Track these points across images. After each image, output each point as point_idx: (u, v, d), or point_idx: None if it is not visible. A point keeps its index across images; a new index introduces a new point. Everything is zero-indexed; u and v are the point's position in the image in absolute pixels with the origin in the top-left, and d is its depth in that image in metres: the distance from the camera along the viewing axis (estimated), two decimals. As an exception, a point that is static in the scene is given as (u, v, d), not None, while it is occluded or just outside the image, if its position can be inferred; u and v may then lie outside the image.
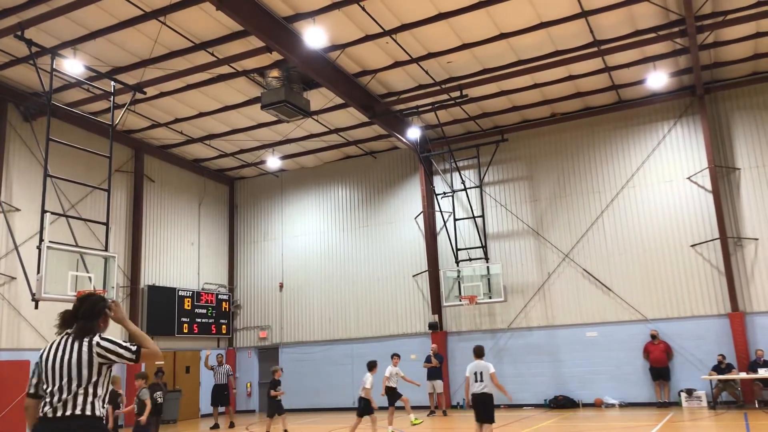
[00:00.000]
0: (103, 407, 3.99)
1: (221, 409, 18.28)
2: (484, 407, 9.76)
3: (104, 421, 3.98)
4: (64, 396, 3.86)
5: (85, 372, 3.93)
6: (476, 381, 9.78)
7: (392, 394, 13.72)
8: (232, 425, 17.22)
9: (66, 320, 4.14)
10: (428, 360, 18.46)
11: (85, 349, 3.97)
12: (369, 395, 12.71)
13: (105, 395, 4.01)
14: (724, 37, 15.78)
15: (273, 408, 14.30)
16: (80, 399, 3.89)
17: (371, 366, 13.14)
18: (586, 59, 15.65)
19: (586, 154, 19.57)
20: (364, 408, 12.72)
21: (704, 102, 18.00)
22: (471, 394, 9.83)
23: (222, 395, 17.73)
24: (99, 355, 3.99)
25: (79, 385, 3.90)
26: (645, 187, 18.66)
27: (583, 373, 18.33)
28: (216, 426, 17.16)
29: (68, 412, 3.84)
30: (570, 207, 19.48)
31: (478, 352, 10.14)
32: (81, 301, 4.19)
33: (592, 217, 19.11)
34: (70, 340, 4.02)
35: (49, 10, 12.72)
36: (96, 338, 4.06)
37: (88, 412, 3.89)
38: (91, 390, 3.93)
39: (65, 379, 3.90)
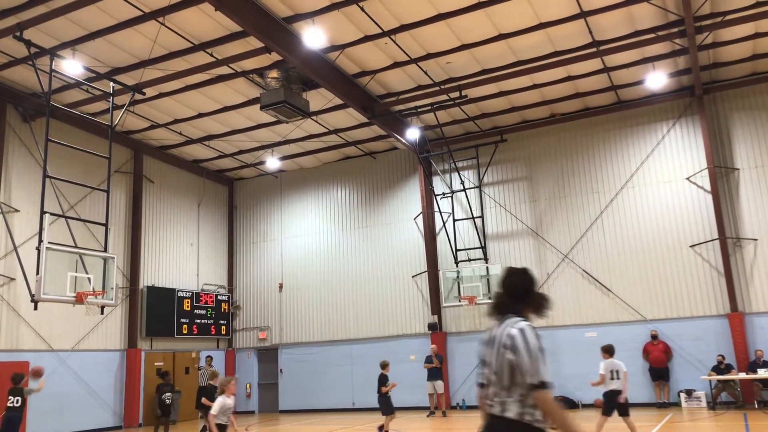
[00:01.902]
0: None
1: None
2: (620, 403, 10.88)
3: None
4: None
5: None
6: (612, 378, 10.87)
7: None
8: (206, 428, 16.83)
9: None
10: (428, 360, 18.44)
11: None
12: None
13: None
14: (723, 38, 15.79)
15: (386, 405, 13.37)
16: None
17: (383, 365, 12.97)
18: (586, 60, 15.65)
19: (586, 154, 19.58)
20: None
21: (703, 102, 18.01)
22: (609, 390, 10.93)
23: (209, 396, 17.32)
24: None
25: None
26: (644, 188, 18.66)
27: (582, 373, 18.27)
28: (204, 429, 16.75)
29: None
30: (569, 207, 19.48)
31: (610, 350, 11.03)
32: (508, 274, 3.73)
33: (591, 218, 19.11)
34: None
35: (48, 11, 12.71)
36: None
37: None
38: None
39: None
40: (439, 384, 18.27)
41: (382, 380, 13.41)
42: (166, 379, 16.37)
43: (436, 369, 18.29)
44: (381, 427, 13.10)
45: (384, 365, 13.62)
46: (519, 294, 3.66)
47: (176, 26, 13.97)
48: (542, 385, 3.37)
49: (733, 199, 17.66)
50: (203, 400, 13.00)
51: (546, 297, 3.73)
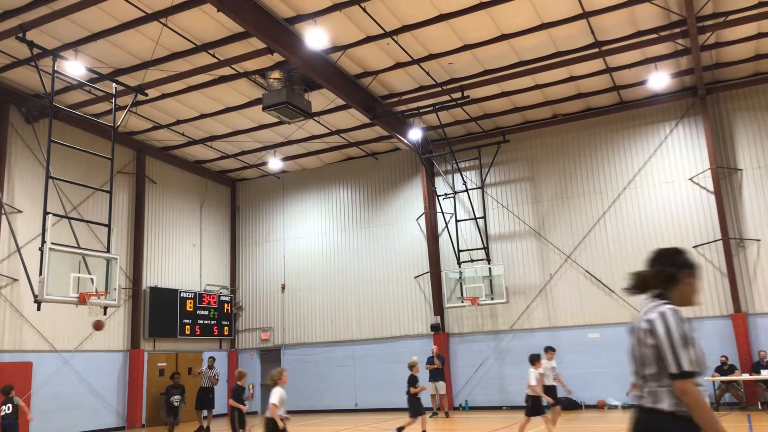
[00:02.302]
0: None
1: (205, 413, 17.14)
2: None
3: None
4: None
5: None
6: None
7: (551, 392, 12.38)
8: (202, 429, 16.64)
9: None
10: (430, 361, 18.42)
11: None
12: (537, 391, 11.58)
13: None
14: (726, 38, 15.76)
15: (416, 406, 13.12)
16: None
17: (533, 360, 11.87)
18: (588, 60, 15.63)
19: (588, 155, 19.55)
20: (533, 407, 11.63)
21: (706, 103, 17.97)
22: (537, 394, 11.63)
23: (207, 398, 17.10)
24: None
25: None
26: (647, 188, 18.63)
27: (585, 374, 18.28)
28: (200, 429, 16.56)
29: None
30: (572, 208, 19.46)
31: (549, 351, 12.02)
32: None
33: (594, 219, 19.08)
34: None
35: (51, 12, 12.73)
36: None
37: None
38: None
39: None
40: (441, 385, 18.26)
41: (412, 381, 13.27)
42: (175, 380, 16.37)
43: (438, 370, 18.28)
44: (401, 428, 13.04)
45: (412, 366, 13.47)
46: (666, 276, 3.37)
47: (178, 27, 13.99)
48: (683, 375, 3.05)
49: (736, 199, 17.62)
50: (231, 401, 12.84)
51: (694, 283, 3.40)
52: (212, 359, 17.82)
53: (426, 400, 18.57)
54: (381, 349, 21.02)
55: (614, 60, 16.39)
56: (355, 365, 21.29)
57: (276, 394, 8.80)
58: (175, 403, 13.02)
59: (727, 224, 17.29)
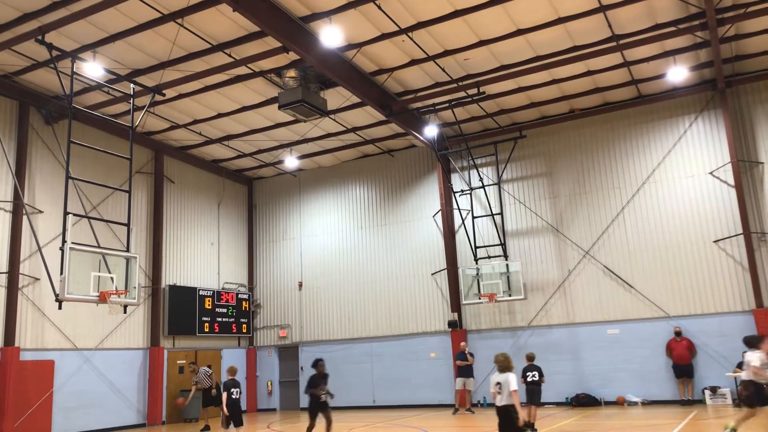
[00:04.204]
0: None
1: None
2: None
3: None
4: None
5: None
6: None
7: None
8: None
9: None
10: (460, 357, 18.22)
11: None
12: (763, 375, 9.68)
13: None
14: (746, 30, 15.54)
15: (536, 396, 12.98)
16: None
17: (754, 342, 10.08)
18: (605, 54, 15.48)
19: (606, 149, 19.39)
20: (756, 395, 9.74)
21: (726, 96, 17.74)
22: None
23: (208, 398, 17.03)
24: None
25: None
26: (666, 183, 18.44)
27: (605, 371, 18.17)
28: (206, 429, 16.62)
29: None
30: (590, 203, 19.31)
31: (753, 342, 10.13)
32: None
33: (612, 214, 18.93)
34: None
35: (69, 14, 12.86)
36: None
37: None
38: None
39: None
40: (471, 381, 18.09)
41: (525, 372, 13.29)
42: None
43: (468, 366, 18.10)
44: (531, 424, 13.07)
45: (531, 358, 13.53)
46: None
47: (195, 27, 14.07)
48: None
49: (757, 193, 17.38)
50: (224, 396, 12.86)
51: None
52: (193, 366, 17.64)
53: (446, 397, 18.61)
54: (398, 346, 21.04)
55: (632, 53, 16.23)
56: (373, 362, 21.33)
57: (514, 379, 7.91)
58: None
59: (749, 218, 17.06)
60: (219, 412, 16.67)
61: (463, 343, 18.74)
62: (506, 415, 7.88)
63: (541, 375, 13.08)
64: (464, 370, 18.15)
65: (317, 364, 12.43)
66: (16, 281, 15.77)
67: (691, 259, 17.71)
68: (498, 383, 7.92)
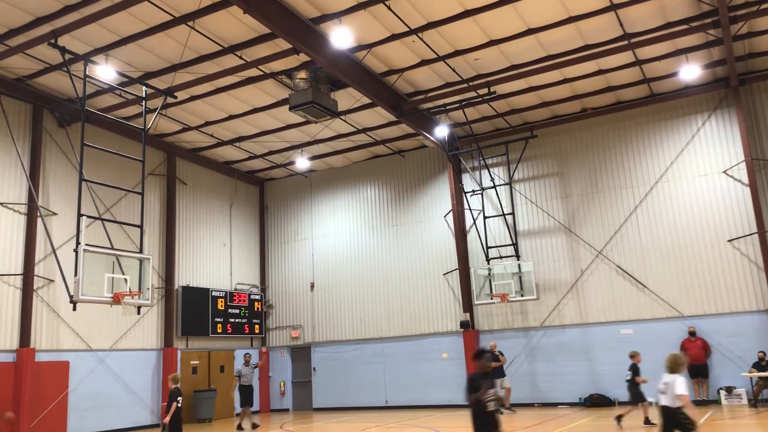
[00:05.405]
0: None
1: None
2: None
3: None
4: None
5: None
6: None
7: None
8: (255, 426, 16.90)
9: None
10: (495, 359, 18.10)
11: None
12: None
13: None
14: (759, 27, 15.39)
15: (637, 394, 13.18)
16: None
17: None
18: (617, 53, 15.38)
19: (618, 149, 19.28)
20: None
21: (739, 93, 17.59)
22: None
23: (249, 395, 17.31)
24: None
25: None
26: (679, 182, 18.31)
27: (618, 371, 17.98)
28: (240, 428, 16.63)
29: None
30: (602, 203, 19.21)
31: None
32: None
33: (625, 213, 18.82)
34: None
35: (81, 18, 12.98)
36: None
37: None
38: None
39: None
40: (505, 380, 17.90)
41: (635, 370, 13.32)
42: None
43: (499, 366, 17.76)
44: (620, 417, 13.21)
45: (633, 355, 13.50)
46: None
47: (206, 30, 14.14)
48: None
49: (772, 191, 17.22)
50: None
51: None
52: (248, 355, 17.82)
53: (457, 398, 18.55)
54: (410, 346, 21.03)
55: (644, 52, 16.12)
56: (385, 362, 21.33)
57: (682, 383, 7.57)
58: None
59: (763, 217, 16.89)
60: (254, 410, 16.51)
61: (492, 343, 18.63)
62: (668, 416, 7.79)
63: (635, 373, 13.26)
64: (496, 371, 17.96)
65: (481, 356, 8.00)
66: (31, 283, 15.92)
67: (705, 259, 17.57)
68: (666, 383, 7.93)
